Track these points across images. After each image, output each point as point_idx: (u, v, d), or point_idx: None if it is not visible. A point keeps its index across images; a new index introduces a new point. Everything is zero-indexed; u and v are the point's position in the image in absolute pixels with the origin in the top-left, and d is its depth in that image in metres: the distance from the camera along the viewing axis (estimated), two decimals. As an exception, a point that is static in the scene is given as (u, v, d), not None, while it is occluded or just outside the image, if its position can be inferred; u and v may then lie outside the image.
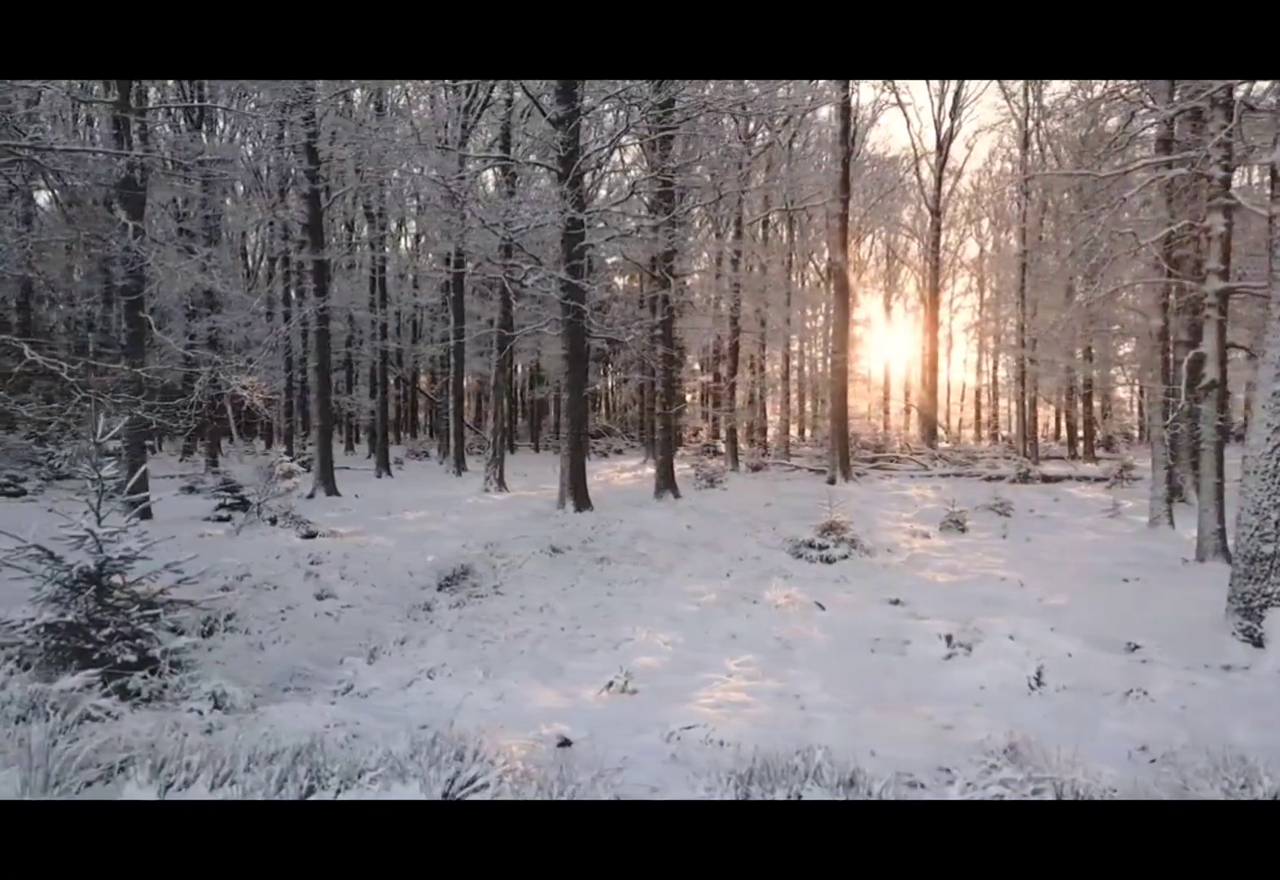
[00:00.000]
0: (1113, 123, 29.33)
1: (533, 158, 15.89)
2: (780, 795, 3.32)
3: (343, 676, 5.55)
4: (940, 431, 43.00)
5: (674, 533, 13.37)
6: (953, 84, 40.36)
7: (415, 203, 39.44)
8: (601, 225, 14.29)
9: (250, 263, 37.97)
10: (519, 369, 47.66)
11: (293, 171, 21.65)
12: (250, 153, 29.25)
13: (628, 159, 22.62)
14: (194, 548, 9.82)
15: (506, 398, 23.21)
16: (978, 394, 58.30)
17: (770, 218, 36.38)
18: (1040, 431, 51.56)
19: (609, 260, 34.18)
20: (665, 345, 17.80)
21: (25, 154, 7.07)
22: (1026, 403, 32.14)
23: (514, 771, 3.60)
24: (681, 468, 26.92)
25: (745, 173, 24.25)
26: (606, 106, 15.34)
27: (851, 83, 27.71)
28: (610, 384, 53.77)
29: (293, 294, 23.62)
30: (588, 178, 16.47)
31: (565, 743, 4.19)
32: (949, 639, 5.82)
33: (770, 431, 41.31)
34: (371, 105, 24.51)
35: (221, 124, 31.12)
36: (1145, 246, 10.00)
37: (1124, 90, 11.09)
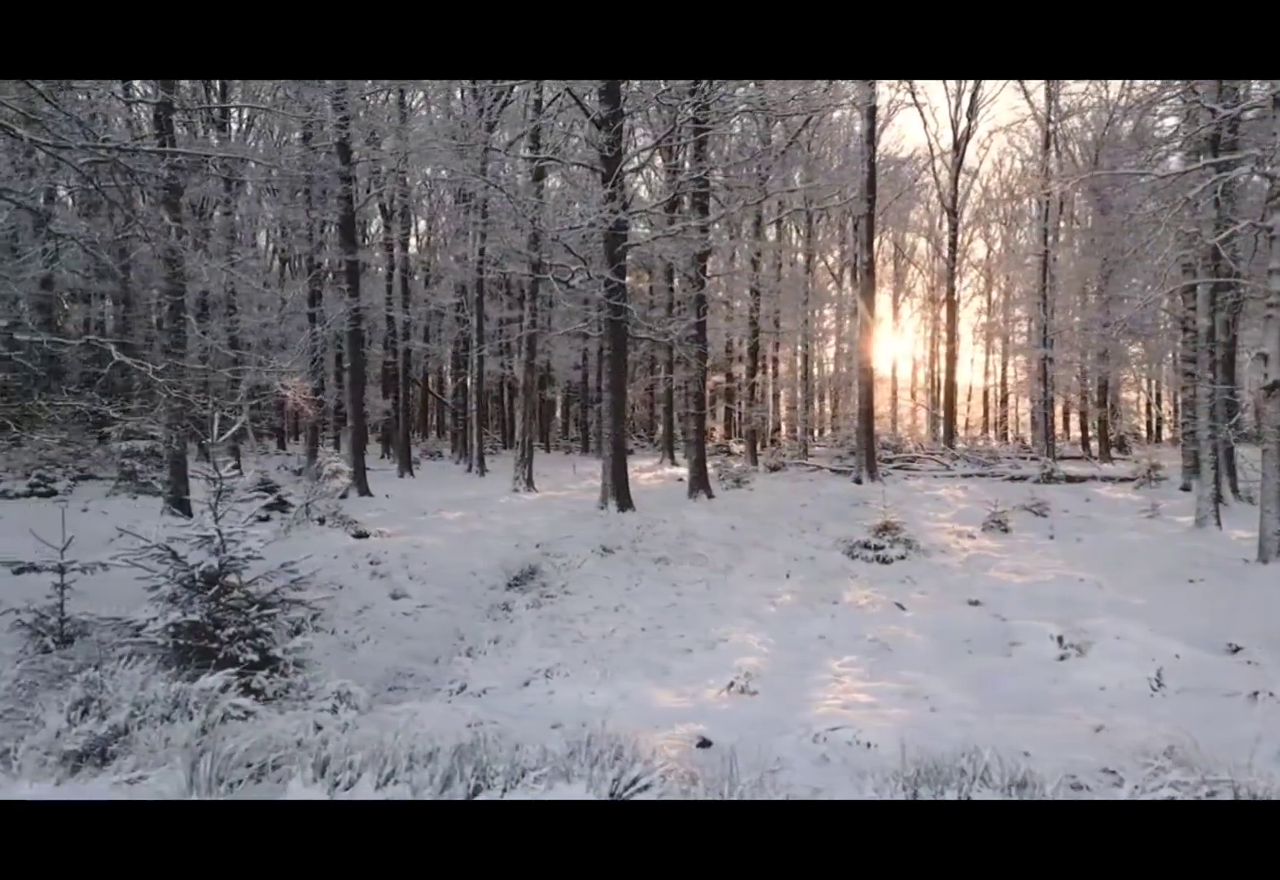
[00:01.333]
0: (1127, 123, 29.19)
1: (576, 156, 15.92)
2: (950, 796, 3.34)
3: (453, 675, 5.58)
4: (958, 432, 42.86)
5: (720, 533, 13.39)
6: (969, 84, 40.34)
7: (427, 203, 39.49)
8: (645, 226, 14.31)
9: (263, 263, 37.99)
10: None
11: (321, 171, 21.70)
12: (260, 152, 29.33)
13: (661, 160, 22.59)
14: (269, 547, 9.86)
15: (528, 399, 23.18)
16: (986, 394, 58.24)
17: (783, 218, 36.40)
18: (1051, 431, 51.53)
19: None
20: (699, 345, 17.81)
21: (112, 155, 7.10)
22: (1046, 403, 32.05)
23: (674, 772, 3.61)
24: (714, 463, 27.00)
25: (765, 173, 24.25)
26: (638, 108, 15.33)
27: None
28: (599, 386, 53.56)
29: (319, 295, 23.64)
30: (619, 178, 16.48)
31: (705, 743, 4.21)
32: (1060, 640, 5.83)
33: (784, 431, 41.31)
34: (418, 104, 24.52)
35: (235, 124, 31.15)
36: (1205, 247, 9.97)
37: (1179, 90, 11.07)
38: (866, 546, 10.92)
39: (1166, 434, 50.57)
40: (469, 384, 36.74)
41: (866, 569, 9.90)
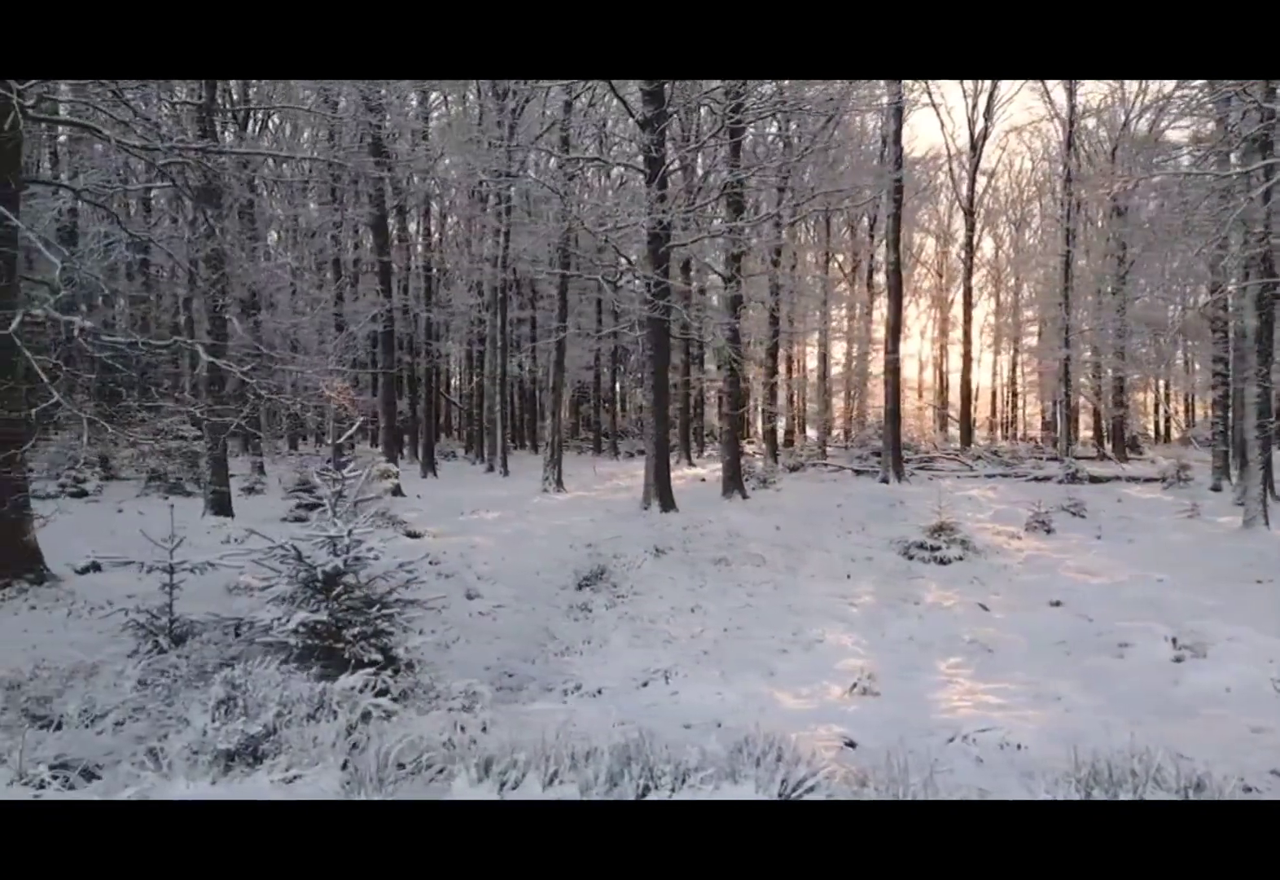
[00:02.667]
0: (1141, 124, 29.01)
1: (622, 159, 15.94)
2: (1125, 797, 3.36)
3: (561, 674, 5.60)
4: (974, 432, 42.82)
5: (767, 533, 13.40)
6: (986, 84, 40.31)
7: (436, 205, 39.43)
8: (688, 226, 14.34)
9: (305, 264, 37.99)
10: (538, 369, 47.54)
11: (350, 172, 21.76)
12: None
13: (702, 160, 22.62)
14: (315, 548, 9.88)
15: (558, 399, 23.25)
16: (994, 394, 58.19)
17: (797, 218, 36.39)
18: (1057, 432, 51.52)
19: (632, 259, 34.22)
20: (733, 345, 17.83)
21: (194, 156, 7.13)
22: (1067, 404, 32.04)
23: (837, 773, 3.63)
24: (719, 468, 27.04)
25: (786, 173, 24.26)
26: (681, 109, 15.35)
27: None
28: (619, 385, 53.46)
29: (340, 297, 23.69)
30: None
31: (850, 744, 4.23)
32: (1173, 642, 5.85)
33: (799, 432, 41.28)
34: (438, 103, 24.55)
35: (252, 126, 31.17)
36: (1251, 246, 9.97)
37: (1231, 89, 11.07)
38: (923, 547, 10.93)
39: (1175, 434, 50.60)
40: (485, 384, 36.77)
41: (928, 570, 9.91)
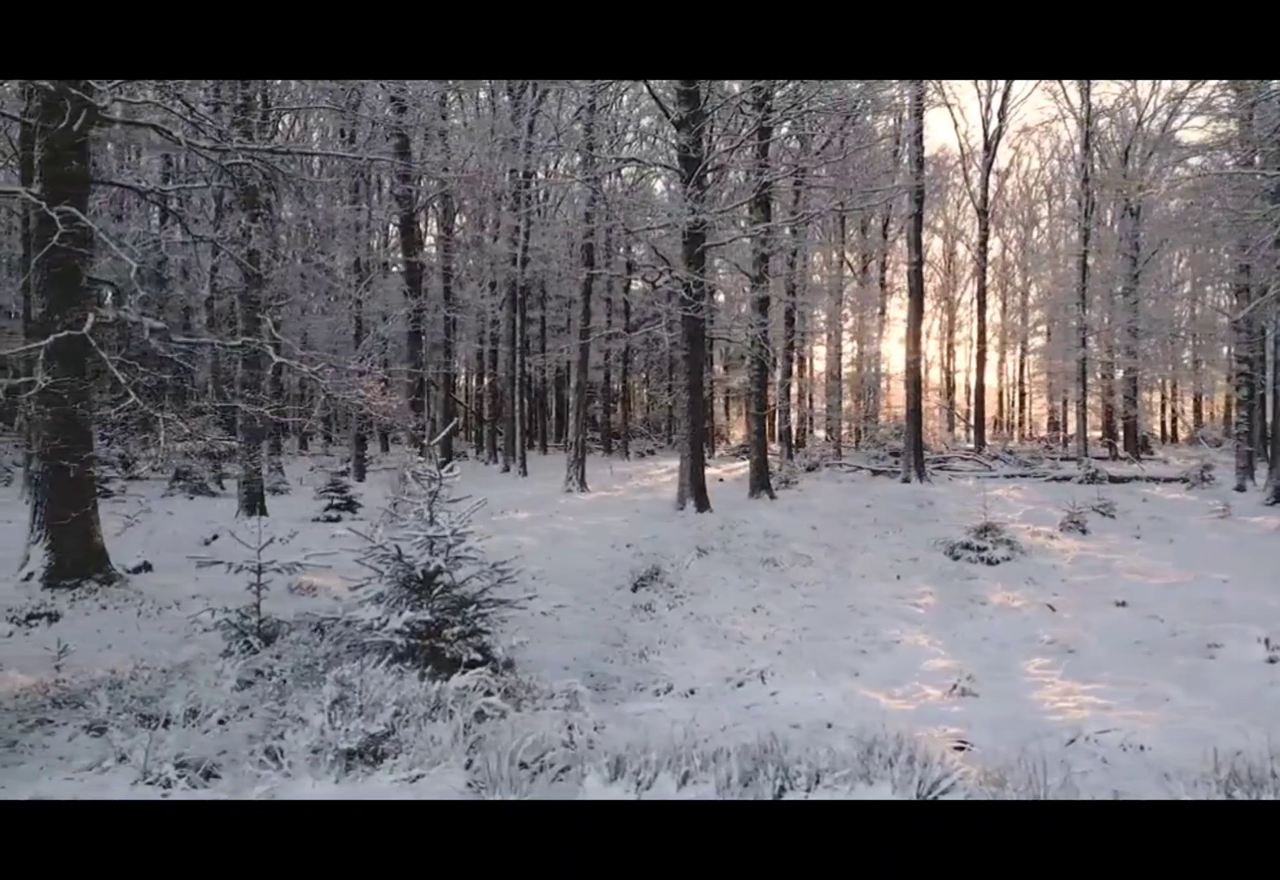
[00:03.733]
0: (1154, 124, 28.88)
1: (663, 160, 15.98)
2: (1267, 797, 3.36)
3: (653, 674, 5.60)
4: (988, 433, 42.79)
5: (804, 533, 13.41)
6: (1000, 84, 40.28)
7: (439, 206, 39.40)
8: (725, 226, 14.35)
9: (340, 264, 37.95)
10: (547, 369, 47.44)
11: (376, 171, 21.79)
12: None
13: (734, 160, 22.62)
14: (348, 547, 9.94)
15: (581, 399, 23.26)
16: (1000, 394, 58.17)
17: (811, 218, 36.38)
18: (1067, 432, 51.61)
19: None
20: (759, 346, 17.83)
21: (264, 157, 7.15)
22: (1084, 403, 32.03)
23: (969, 774, 3.63)
24: (742, 468, 27.05)
25: (802, 172, 24.28)
26: (717, 109, 15.36)
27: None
28: (622, 385, 53.48)
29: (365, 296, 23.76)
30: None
31: (963, 745, 4.24)
32: (1265, 642, 5.85)
33: (813, 432, 41.26)
34: (462, 102, 24.55)
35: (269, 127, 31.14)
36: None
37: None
38: (969, 548, 10.93)
39: (1181, 434, 50.61)
40: (500, 385, 36.73)
41: (979, 570, 9.91)
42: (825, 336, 36.12)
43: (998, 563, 10.49)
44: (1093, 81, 34.96)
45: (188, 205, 14.75)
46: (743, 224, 15.08)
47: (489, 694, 4.56)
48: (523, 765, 3.97)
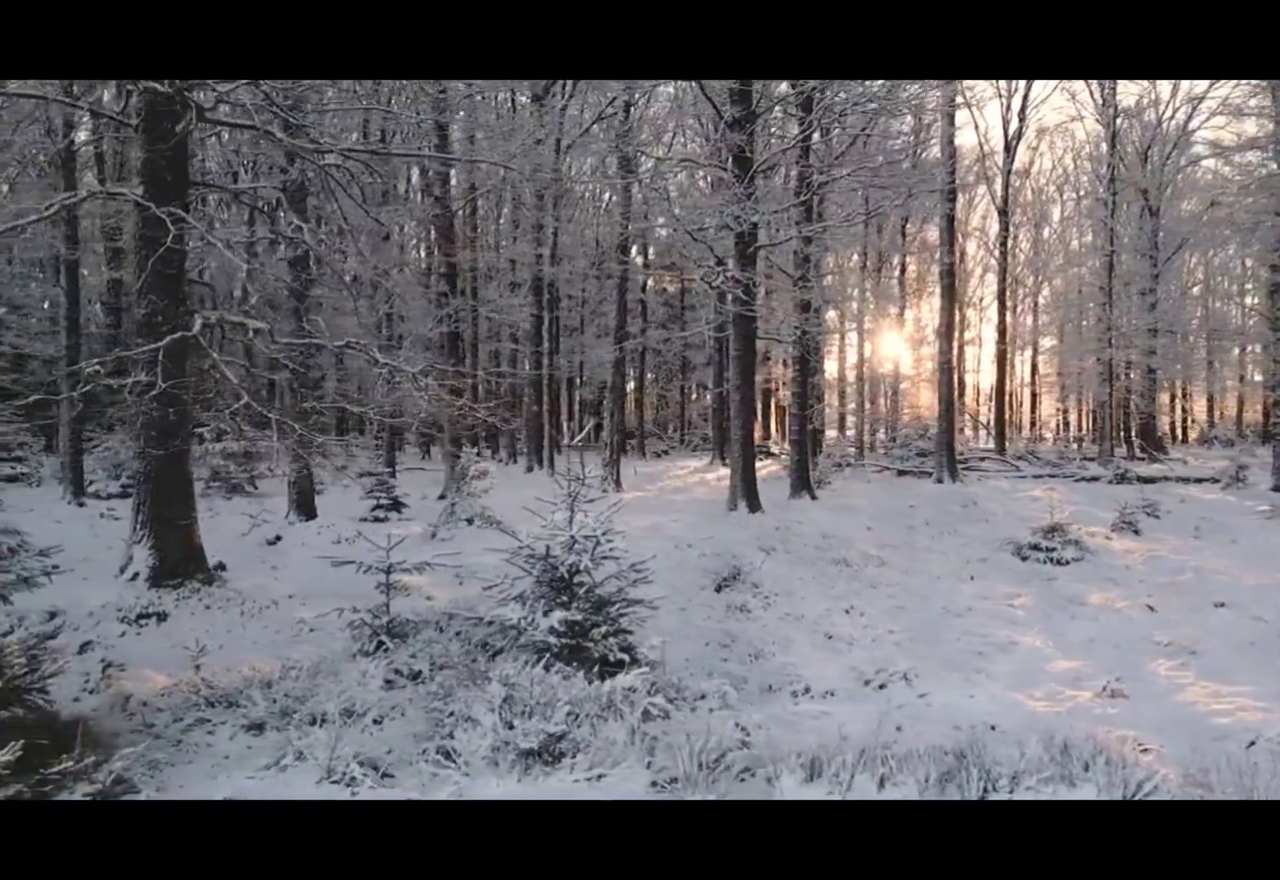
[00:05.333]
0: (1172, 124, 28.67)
1: (702, 159, 16.00)
2: None
3: (783, 675, 5.61)
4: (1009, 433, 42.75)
5: (858, 533, 13.41)
6: (1020, 84, 40.23)
7: (485, 202, 39.45)
8: (779, 226, 14.35)
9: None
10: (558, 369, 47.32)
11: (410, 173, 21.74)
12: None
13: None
14: (414, 550, 9.99)
15: (618, 399, 23.35)
16: (1011, 395, 58.05)
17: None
18: (1076, 432, 51.58)
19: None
20: (801, 347, 17.83)
21: (360, 157, 7.17)
22: (1111, 403, 31.99)
23: (1171, 777, 3.64)
24: (768, 467, 27.07)
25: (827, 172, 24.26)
26: (769, 109, 15.36)
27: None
28: (638, 386, 53.35)
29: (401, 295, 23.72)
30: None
31: (1147, 747, 4.24)
32: None
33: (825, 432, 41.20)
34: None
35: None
36: None
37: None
38: (1036, 548, 10.92)
39: (1191, 435, 50.58)
40: (516, 384, 36.69)
41: (1055, 571, 9.91)
42: (851, 336, 36.11)
43: (1067, 563, 10.48)
44: (1118, 81, 34.91)
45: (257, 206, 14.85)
46: (788, 224, 15.07)
47: (652, 694, 4.57)
48: (702, 767, 3.98)
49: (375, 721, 4.71)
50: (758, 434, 45.55)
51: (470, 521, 12.82)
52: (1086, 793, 3.53)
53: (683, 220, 13.77)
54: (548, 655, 4.86)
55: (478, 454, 17.90)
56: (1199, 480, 25.05)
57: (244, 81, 6.58)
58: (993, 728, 4.50)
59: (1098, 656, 6.10)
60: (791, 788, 3.69)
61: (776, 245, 14.60)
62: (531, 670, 4.58)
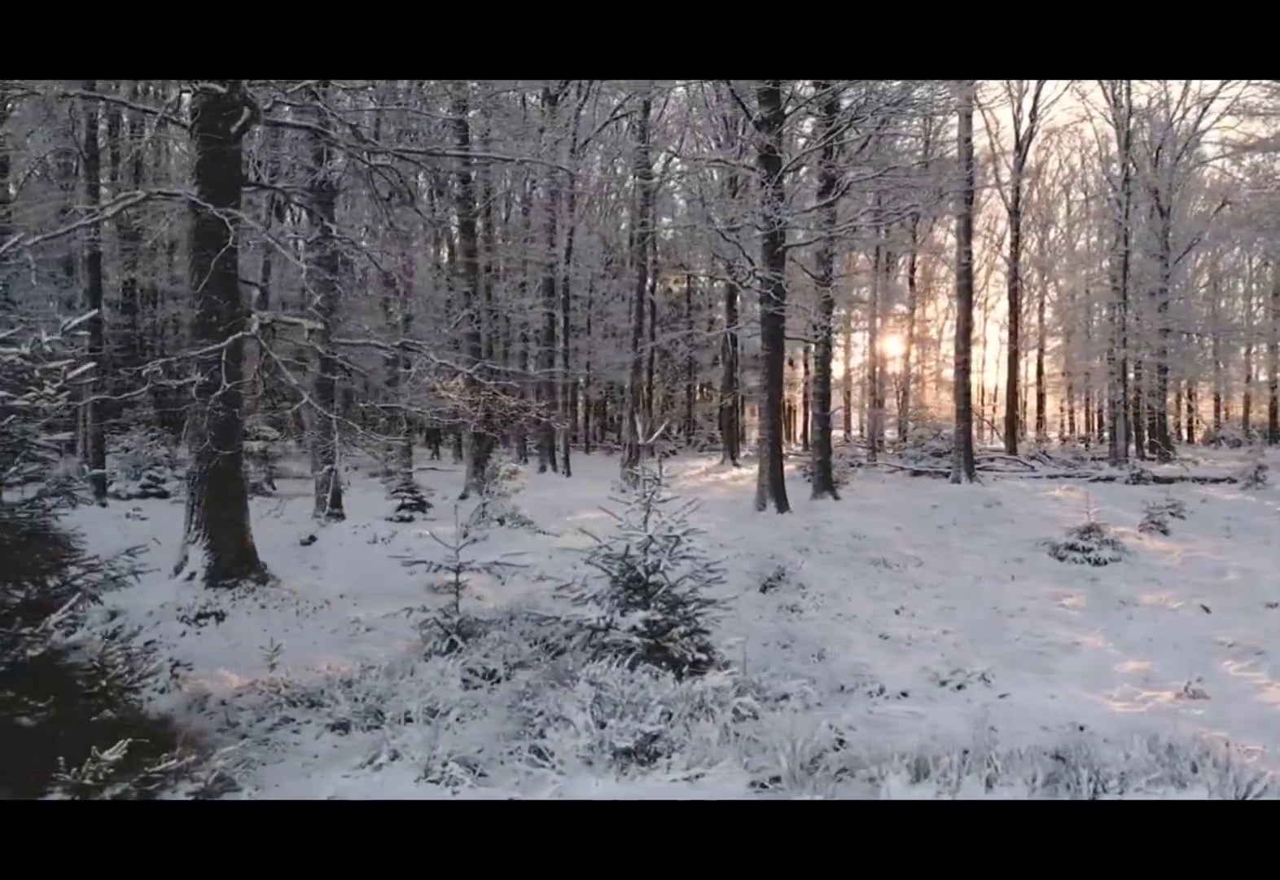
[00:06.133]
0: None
1: (727, 158, 16.01)
2: None
3: (854, 675, 5.60)
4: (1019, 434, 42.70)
5: (888, 533, 13.41)
6: (1031, 84, 40.20)
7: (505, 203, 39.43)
8: (809, 226, 14.36)
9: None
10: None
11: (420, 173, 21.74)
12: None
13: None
14: (433, 550, 10.00)
15: (638, 400, 23.34)
16: (1013, 394, 57.99)
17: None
18: (1082, 431, 51.57)
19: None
20: (824, 346, 17.84)
21: (417, 156, 7.17)
22: (1125, 404, 31.97)
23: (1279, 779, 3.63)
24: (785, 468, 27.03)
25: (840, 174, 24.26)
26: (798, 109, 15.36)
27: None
28: (648, 386, 53.11)
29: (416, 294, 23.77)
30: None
31: (1251, 749, 4.23)
32: None
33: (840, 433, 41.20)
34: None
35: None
36: None
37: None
38: (1073, 548, 10.92)
39: (1197, 434, 50.59)
40: (528, 385, 36.64)
41: (1096, 571, 9.91)
42: (855, 336, 36.12)
43: (1105, 563, 10.48)
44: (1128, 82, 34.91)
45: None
46: (811, 225, 15.07)
47: (740, 694, 4.57)
48: (802, 766, 3.98)
49: (458, 720, 4.71)
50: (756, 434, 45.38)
51: (502, 521, 12.83)
52: (1197, 794, 3.53)
53: (715, 220, 13.77)
54: (630, 655, 4.85)
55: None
56: (1215, 480, 25.02)
57: (310, 81, 6.59)
58: (1081, 728, 4.51)
59: (1163, 657, 6.09)
60: (898, 788, 3.69)
61: (805, 245, 14.60)
62: (617, 669, 4.58)
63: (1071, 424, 56.46)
